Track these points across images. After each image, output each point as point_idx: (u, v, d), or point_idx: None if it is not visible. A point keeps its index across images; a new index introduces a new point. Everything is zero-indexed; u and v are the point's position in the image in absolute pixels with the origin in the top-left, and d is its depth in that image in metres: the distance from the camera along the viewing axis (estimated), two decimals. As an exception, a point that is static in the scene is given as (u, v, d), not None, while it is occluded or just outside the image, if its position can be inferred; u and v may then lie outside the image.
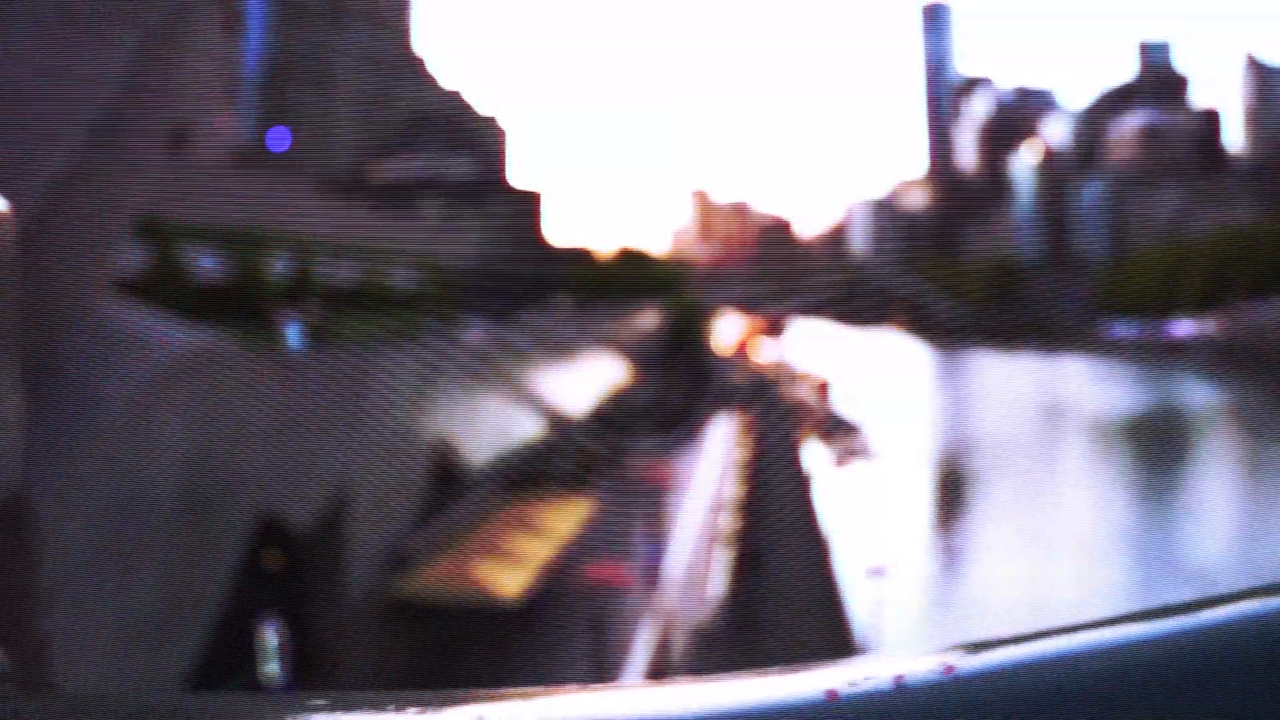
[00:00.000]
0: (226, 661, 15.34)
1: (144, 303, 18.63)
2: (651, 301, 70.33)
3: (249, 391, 12.97)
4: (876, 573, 16.44)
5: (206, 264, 20.56)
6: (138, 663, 11.63)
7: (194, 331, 12.32)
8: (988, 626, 27.00)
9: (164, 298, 19.02)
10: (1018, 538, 36.36)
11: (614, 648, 18.08)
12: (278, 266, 23.17)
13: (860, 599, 16.46)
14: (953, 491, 47.69)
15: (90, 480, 10.65)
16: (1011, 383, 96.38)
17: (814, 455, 51.62)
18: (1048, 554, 33.36)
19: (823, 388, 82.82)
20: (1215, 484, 45.02)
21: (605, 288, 75.90)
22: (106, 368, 10.85)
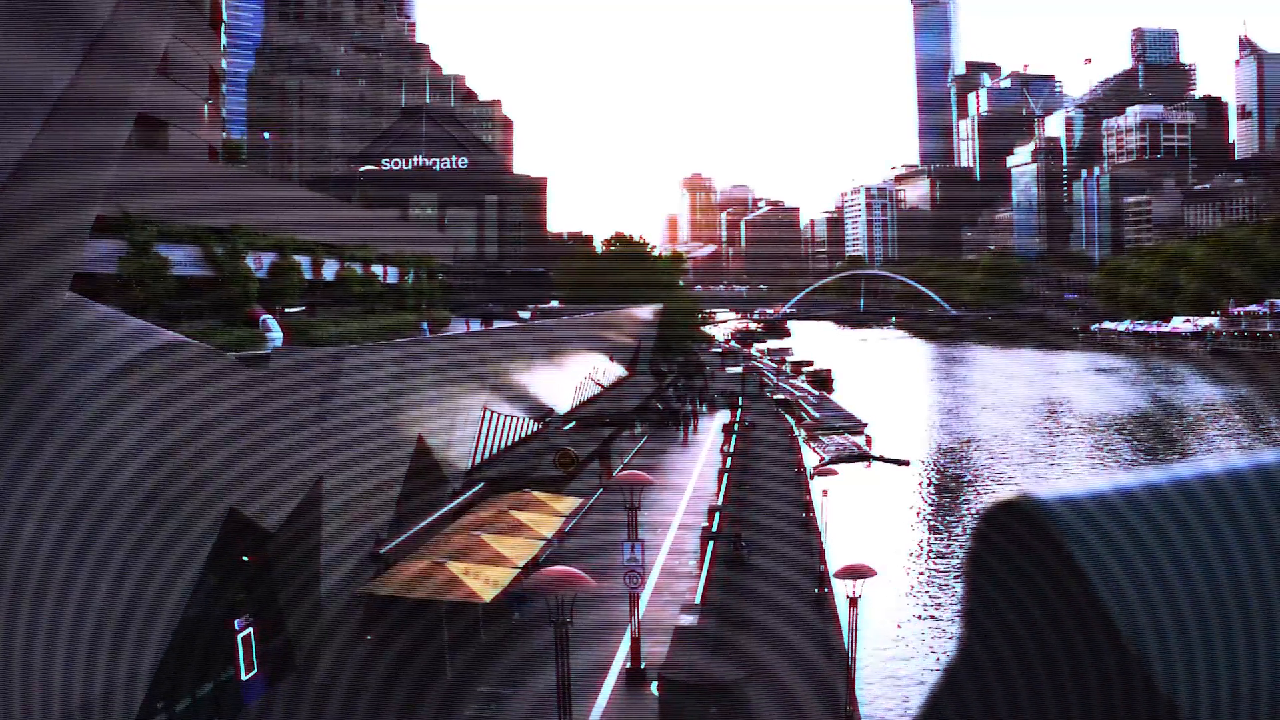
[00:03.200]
0: (198, 661, 15.12)
1: (111, 300, 18.35)
2: (647, 298, 69.85)
3: (216, 391, 12.70)
4: (865, 574, 16.16)
5: (181, 261, 20.30)
6: (102, 663, 11.40)
7: (158, 330, 12.05)
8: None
9: (136, 295, 18.77)
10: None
11: (594, 648, 17.85)
12: (255, 265, 22.89)
13: (850, 599, 16.19)
14: (950, 490, 47.48)
15: (50, 480, 10.38)
16: (1010, 380, 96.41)
17: (811, 453, 51.43)
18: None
19: (821, 385, 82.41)
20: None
21: (601, 283, 75.56)
22: (66, 367, 10.58)
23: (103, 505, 10.78)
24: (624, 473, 18.10)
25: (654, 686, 14.81)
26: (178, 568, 12.54)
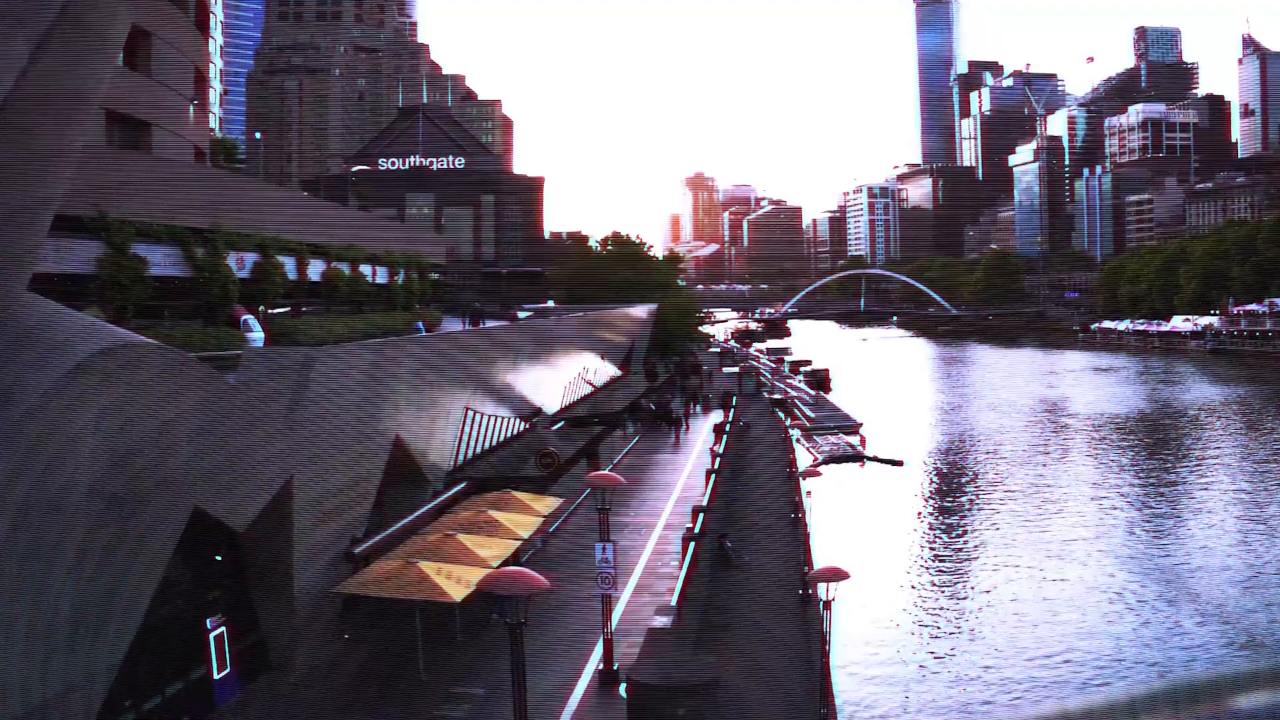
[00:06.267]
0: (168, 659, 15.11)
1: (91, 301, 18.33)
2: (643, 297, 69.75)
3: (179, 391, 12.68)
4: (839, 576, 16.05)
5: (160, 262, 20.30)
6: (61, 661, 11.37)
7: (115, 330, 12.03)
8: (971, 632, 26.61)
9: (114, 296, 18.76)
10: (1012, 537, 35.96)
11: (572, 649, 17.83)
12: (237, 265, 22.87)
13: (824, 602, 16.11)
14: (943, 491, 47.32)
15: (2, 480, 10.35)
16: (1009, 380, 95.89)
17: (805, 454, 51.30)
18: (1043, 553, 32.99)
19: (818, 385, 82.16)
20: (1213, 483, 44.62)
21: (596, 283, 75.46)
22: (19, 366, 10.55)
23: (59, 504, 10.76)
24: (595, 474, 18.03)
25: (623, 689, 14.77)
26: (140, 567, 12.51)
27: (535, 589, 9.87)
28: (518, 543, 18.76)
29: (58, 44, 10.02)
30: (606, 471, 20.69)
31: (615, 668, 16.31)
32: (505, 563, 17.57)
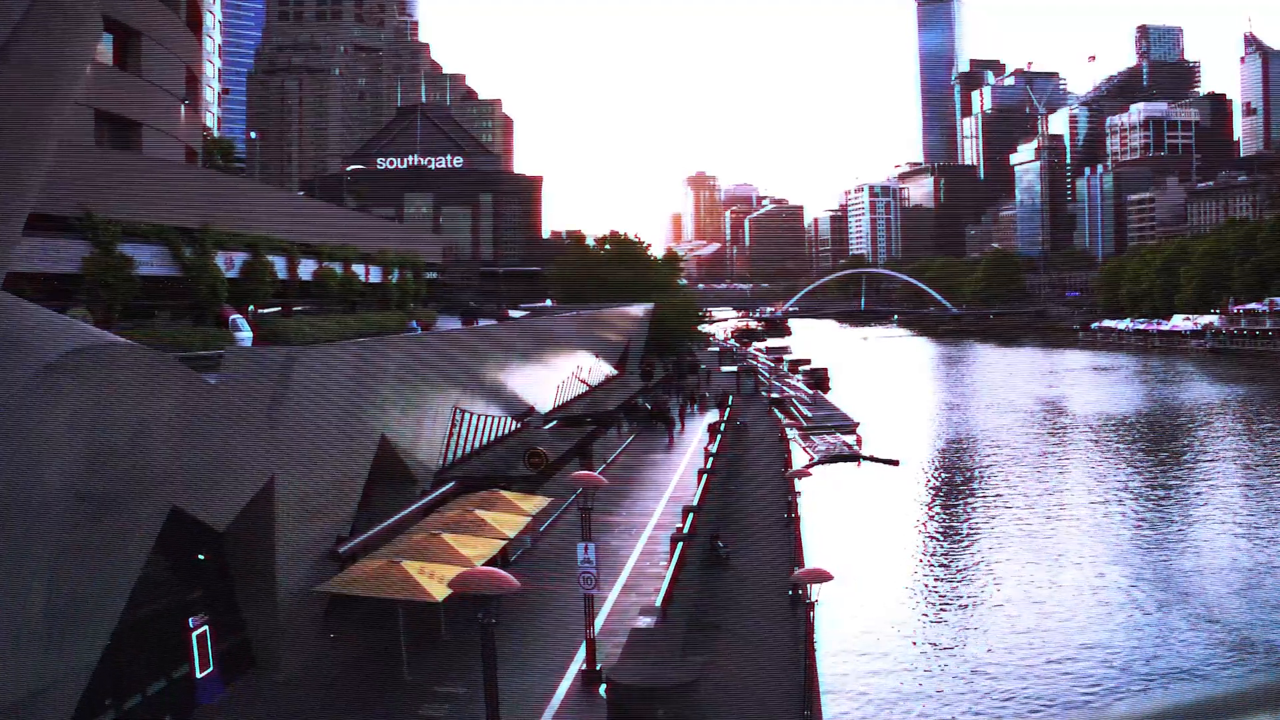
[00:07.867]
0: (150, 658, 15.12)
1: (81, 300, 18.34)
2: (640, 296, 69.61)
3: (156, 391, 12.68)
4: (823, 578, 16.01)
5: (148, 261, 20.30)
6: (35, 660, 11.37)
7: (90, 329, 12.03)
8: (967, 637, 26.51)
9: (101, 295, 18.77)
10: (1009, 538, 35.85)
11: (560, 649, 17.82)
12: (226, 265, 22.87)
13: (808, 603, 16.07)
14: (938, 491, 47.22)
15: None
16: (1008, 379, 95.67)
17: (801, 453, 51.23)
18: (1040, 554, 32.87)
19: (817, 384, 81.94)
20: (1212, 483, 44.46)
21: (596, 281, 75.36)
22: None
23: (32, 503, 10.76)
24: (579, 473, 18.03)
25: (603, 689, 14.76)
26: (117, 566, 12.51)
27: (504, 589, 9.86)
28: (503, 542, 18.75)
29: (29, 39, 10.01)
30: (591, 472, 20.66)
31: (598, 668, 16.31)
32: (489, 562, 17.57)
